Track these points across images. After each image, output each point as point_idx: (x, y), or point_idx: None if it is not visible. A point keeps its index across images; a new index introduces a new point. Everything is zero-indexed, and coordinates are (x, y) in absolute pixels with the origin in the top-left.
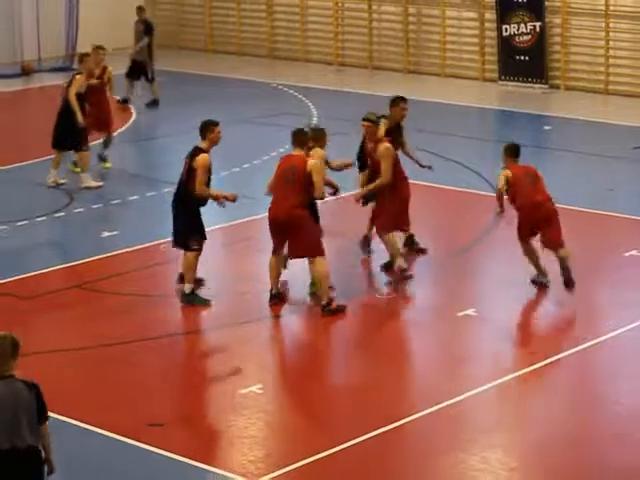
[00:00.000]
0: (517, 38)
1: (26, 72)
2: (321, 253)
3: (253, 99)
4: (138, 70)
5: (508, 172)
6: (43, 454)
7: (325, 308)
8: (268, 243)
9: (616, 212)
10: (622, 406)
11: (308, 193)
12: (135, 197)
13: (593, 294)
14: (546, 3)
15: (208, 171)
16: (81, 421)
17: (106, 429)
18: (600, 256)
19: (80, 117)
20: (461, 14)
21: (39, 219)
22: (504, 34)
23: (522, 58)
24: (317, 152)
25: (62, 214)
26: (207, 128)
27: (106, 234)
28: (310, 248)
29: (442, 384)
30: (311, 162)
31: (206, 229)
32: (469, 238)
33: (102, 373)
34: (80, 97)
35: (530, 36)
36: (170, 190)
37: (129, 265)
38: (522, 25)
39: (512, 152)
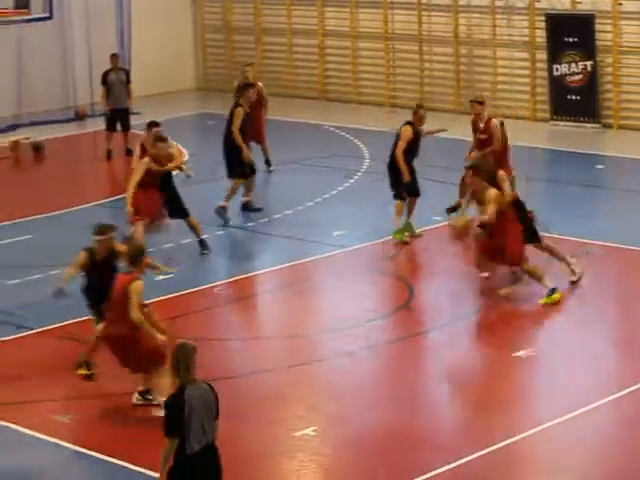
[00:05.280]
0: (568, 78)
1: (80, 117)
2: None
3: (304, 141)
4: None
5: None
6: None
7: None
8: (321, 285)
9: None
10: None
11: None
12: (188, 240)
13: None
14: (597, 42)
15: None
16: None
17: None
18: None
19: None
20: (512, 54)
21: None
22: (555, 74)
23: (573, 97)
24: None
25: None
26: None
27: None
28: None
29: (496, 425)
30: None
31: (256, 272)
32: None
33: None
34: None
35: (581, 75)
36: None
37: (181, 308)
38: (573, 64)
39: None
